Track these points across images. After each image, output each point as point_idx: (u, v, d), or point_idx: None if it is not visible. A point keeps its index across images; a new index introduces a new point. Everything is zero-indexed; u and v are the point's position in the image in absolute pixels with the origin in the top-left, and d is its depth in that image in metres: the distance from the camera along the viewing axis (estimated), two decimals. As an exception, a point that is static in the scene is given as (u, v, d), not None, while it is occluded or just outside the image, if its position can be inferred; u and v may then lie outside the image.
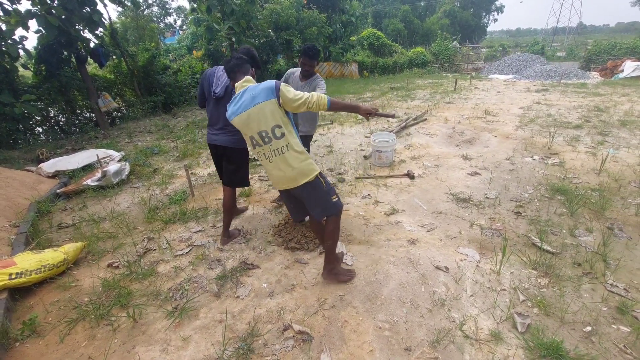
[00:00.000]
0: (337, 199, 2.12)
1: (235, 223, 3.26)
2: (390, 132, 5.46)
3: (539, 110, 7.60)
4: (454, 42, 21.72)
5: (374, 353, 1.81)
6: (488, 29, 53.54)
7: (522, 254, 2.61)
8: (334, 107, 1.94)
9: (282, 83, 1.91)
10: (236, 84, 2.01)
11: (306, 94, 1.91)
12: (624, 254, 2.61)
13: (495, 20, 52.50)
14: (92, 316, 2.13)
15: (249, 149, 2.44)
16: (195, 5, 11.98)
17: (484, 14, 48.66)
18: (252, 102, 1.88)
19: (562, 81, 12.87)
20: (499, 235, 2.88)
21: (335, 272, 2.33)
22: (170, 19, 35.00)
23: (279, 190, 2.25)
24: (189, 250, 2.85)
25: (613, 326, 1.98)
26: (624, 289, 2.26)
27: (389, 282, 2.33)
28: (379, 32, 22.52)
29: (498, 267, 2.43)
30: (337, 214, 2.14)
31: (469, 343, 1.86)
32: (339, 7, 18.27)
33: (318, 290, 2.29)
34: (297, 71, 3.15)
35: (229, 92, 2.52)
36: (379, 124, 6.91)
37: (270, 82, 1.91)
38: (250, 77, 2.05)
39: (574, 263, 2.52)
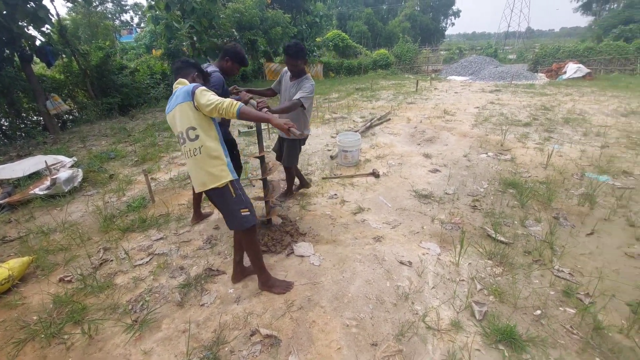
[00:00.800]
0: (248, 213, 2.05)
1: (200, 229, 3.16)
2: (356, 132, 5.56)
3: (493, 110, 8.09)
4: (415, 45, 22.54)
5: (342, 351, 1.84)
6: (446, 33, 56.24)
7: (478, 245, 2.77)
8: (244, 116, 1.87)
9: (201, 87, 1.91)
10: (174, 85, 2.10)
11: (218, 100, 1.84)
12: (569, 241, 2.85)
13: (453, 24, 55.48)
14: (43, 335, 1.97)
15: None
16: (152, 3, 11.47)
17: (442, 18, 51.03)
18: (175, 103, 1.97)
19: (513, 82, 13.80)
20: (457, 228, 3.03)
21: (270, 283, 2.28)
22: (126, 16, 33.10)
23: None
24: (150, 260, 2.72)
25: (560, 309, 2.15)
26: (569, 273, 2.46)
27: (355, 280, 2.37)
28: (344, 34, 22.88)
29: (457, 259, 2.56)
30: (246, 231, 2.09)
31: (431, 334, 1.94)
32: (303, 8, 18.31)
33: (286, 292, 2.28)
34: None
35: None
36: (345, 124, 7.01)
37: (190, 85, 1.95)
38: (183, 80, 2.08)
39: (524, 252, 2.71)
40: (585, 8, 34.99)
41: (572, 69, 14.38)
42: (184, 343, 1.91)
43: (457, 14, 52.15)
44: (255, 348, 1.87)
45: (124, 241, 3.00)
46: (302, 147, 3.43)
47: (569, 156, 4.76)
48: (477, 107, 8.48)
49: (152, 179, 4.43)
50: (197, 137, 1.92)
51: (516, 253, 2.69)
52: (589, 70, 14.30)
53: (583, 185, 3.79)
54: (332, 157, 4.98)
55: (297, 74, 2.97)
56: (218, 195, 2.02)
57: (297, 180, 3.82)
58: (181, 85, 2.03)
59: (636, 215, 3.18)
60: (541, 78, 15.10)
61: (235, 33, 13.96)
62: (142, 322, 2.06)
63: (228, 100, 1.86)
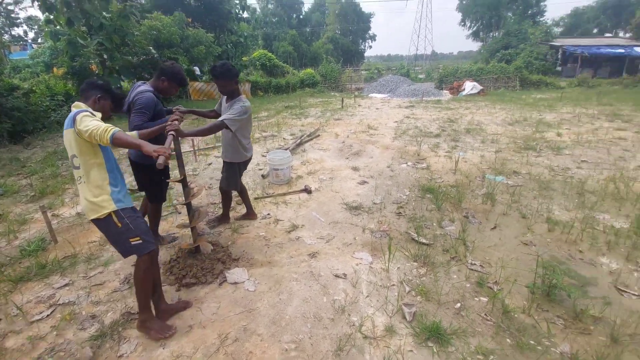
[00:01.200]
0: (140, 241, 1.94)
1: (116, 268, 2.81)
2: (286, 149, 5.61)
3: (409, 123, 8.95)
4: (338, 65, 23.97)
5: (282, 377, 1.77)
6: (366, 54, 60.92)
7: (404, 249, 2.97)
8: (117, 142, 1.76)
9: (82, 113, 1.82)
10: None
11: (94, 125, 1.75)
12: (477, 237, 3.23)
13: (371, 46, 60.54)
14: None
15: None
16: (51, 17, 10.20)
17: (360, 41, 55.33)
18: (64, 129, 1.90)
19: (423, 98, 15.51)
20: (385, 235, 3.22)
21: (147, 325, 2.04)
22: (18, 31, 28.84)
23: None
24: (52, 312, 2.31)
25: (476, 299, 2.40)
26: (480, 265, 2.78)
27: (292, 300, 2.34)
28: (270, 54, 23.25)
29: (387, 265, 2.71)
30: (139, 260, 1.98)
31: (367, 343, 2.00)
32: (227, 28, 18.15)
33: (219, 325, 2.14)
34: None
35: (130, 108, 2.52)
36: (275, 142, 7.03)
37: (74, 111, 1.87)
38: (79, 103, 1.98)
39: (443, 250, 2.99)
40: (475, 35, 42.10)
41: (469, 86, 16.77)
42: (97, 405, 1.64)
43: (373, 37, 57.05)
44: (186, 394, 1.70)
45: (17, 294, 2.51)
46: (242, 170, 3.26)
47: (472, 161, 5.47)
48: (396, 122, 9.28)
49: (53, 215, 3.82)
50: (79, 165, 1.89)
51: (436, 252, 2.95)
52: (482, 87, 16.82)
53: (485, 186, 4.37)
54: (263, 176, 4.93)
55: (230, 95, 2.92)
56: (101, 227, 1.94)
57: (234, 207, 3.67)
58: (75, 109, 1.91)
59: (525, 208, 3.76)
60: (446, 94, 17.25)
61: (153, 51, 13.15)
62: (40, 391, 1.72)
63: (104, 125, 1.76)
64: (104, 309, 2.33)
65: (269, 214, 3.73)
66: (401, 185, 4.52)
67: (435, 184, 4.49)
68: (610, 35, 35.01)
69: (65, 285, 2.60)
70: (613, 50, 24.31)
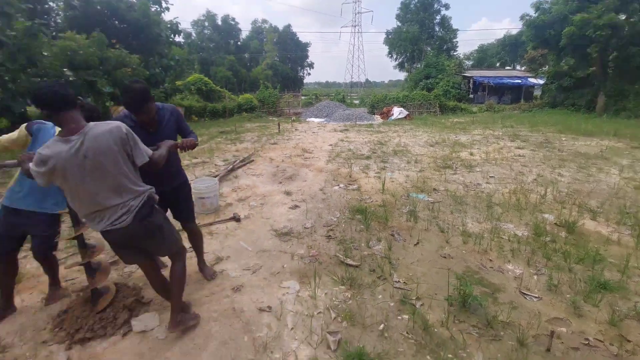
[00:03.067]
0: None
1: (-13, 329, 2.28)
2: (215, 176, 5.36)
3: (343, 146, 9.30)
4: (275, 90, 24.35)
5: None
6: (305, 80, 63.20)
7: (332, 273, 2.94)
8: None
9: None
10: None
11: None
12: (402, 253, 3.34)
13: (309, 74, 62.98)
14: None
15: None
16: None
17: (299, 68, 57.41)
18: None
19: (357, 122, 16.39)
20: (314, 260, 3.17)
21: None
22: None
23: None
24: None
25: (399, 317, 2.43)
26: (404, 282, 2.85)
27: (209, 344, 2.12)
28: (207, 78, 22.75)
29: (314, 291, 2.63)
30: None
31: (289, 381, 1.86)
32: (156, 51, 17.37)
33: (116, 386, 1.82)
34: None
35: None
36: (205, 169, 6.70)
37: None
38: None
39: (370, 270, 3.02)
40: (400, 66, 46.58)
41: (397, 111, 18.22)
42: None
43: (311, 65, 59.67)
44: None
45: None
46: None
47: (398, 181, 5.81)
48: (331, 145, 9.58)
49: None
50: None
51: (364, 273, 2.97)
52: (408, 112, 18.39)
53: (409, 204, 4.63)
54: (189, 206, 4.59)
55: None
56: None
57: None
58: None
59: (443, 222, 4.04)
60: (377, 119, 18.46)
61: (68, 72, 11.92)
62: None
63: None
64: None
65: (190, 248, 3.43)
66: (332, 207, 4.56)
67: (364, 204, 4.62)
68: (509, 68, 41.45)
69: None
70: (512, 81, 28.97)
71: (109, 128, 1.76)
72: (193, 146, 2.35)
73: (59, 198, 2.31)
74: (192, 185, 4.44)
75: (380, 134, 11.82)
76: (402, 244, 3.56)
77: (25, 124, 2.24)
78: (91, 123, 1.79)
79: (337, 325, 2.32)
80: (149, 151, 1.94)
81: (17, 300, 2.57)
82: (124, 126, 1.82)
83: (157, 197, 2.03)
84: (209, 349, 2.08)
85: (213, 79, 28.43)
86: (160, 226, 2.02)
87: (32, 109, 11.47)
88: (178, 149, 2.33)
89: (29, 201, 2.25)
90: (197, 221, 4.07)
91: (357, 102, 30.73)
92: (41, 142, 2.05)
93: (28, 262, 3.17)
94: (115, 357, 2.04)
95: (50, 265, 2.53)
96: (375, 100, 21.76)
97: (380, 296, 2.66)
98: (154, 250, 2.15)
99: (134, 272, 3.00)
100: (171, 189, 2.54)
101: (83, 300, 2.39)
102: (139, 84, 2.14)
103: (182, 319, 2.19)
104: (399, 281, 2.86)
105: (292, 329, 2.28)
